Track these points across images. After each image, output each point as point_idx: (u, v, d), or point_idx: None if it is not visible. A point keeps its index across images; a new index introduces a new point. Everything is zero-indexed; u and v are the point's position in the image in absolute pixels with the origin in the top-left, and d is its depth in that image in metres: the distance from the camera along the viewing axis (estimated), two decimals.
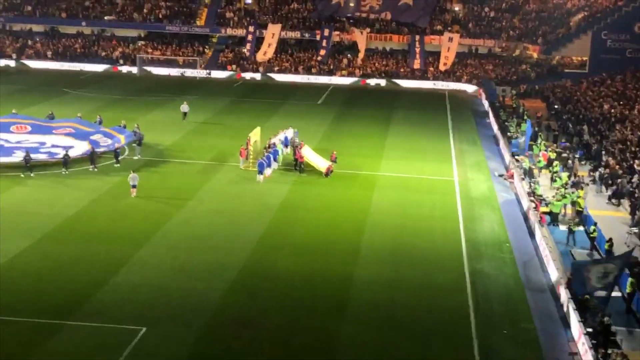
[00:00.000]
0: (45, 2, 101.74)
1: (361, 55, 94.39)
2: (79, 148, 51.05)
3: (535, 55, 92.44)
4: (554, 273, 33.83)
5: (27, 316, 28.46)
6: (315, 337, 28.17)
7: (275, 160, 50.18)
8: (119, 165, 49.16)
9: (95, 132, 54.90)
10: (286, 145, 53.39)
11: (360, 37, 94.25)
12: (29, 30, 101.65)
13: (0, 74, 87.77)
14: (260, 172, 47.86)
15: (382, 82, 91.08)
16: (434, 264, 35.46)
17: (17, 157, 48.25)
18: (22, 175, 45.89)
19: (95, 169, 48.22)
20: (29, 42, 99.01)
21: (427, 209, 43.71)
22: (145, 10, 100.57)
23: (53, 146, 51.93)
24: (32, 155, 47.49)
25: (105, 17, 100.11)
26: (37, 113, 65.10)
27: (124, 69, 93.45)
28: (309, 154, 50.27)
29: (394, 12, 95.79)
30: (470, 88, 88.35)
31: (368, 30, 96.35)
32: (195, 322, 28.71)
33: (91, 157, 48.84)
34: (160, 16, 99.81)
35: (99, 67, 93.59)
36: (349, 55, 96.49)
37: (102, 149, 51.18)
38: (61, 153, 48.99)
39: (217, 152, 53.90)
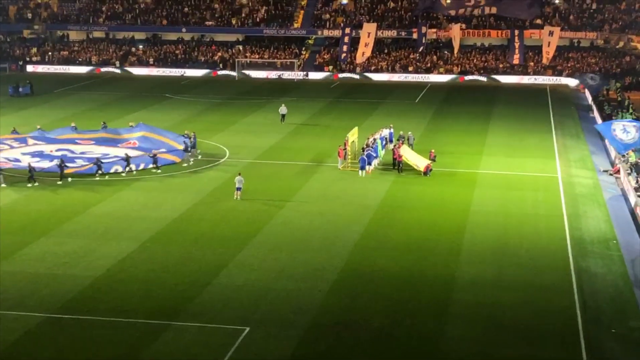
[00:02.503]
0: (146, 10, 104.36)
1: (456, 51, 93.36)
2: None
3: (639, 46, 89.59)
4: None
5: (135, 317, 29.15)
6: (419, 339, 27.94)
7: (377, 156, 50.46)
8: (159, 170, 49.77)
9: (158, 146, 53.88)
10: (391, 141, 53.81)
11: (455, 33, 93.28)
12: (132, 38, 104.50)
13: (105, 81, 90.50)
14: (362, 167, 48.32)
15: (482, 79, 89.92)
16: (539, 263, 34.73)
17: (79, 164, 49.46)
18: (60, 182, 46.73)
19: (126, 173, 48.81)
20: (132, 50, 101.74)
21: (530, 206, 42.88)
22: (243, 15, 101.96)
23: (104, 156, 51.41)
24: (69, 164, 48.55)
25: (205, 23, 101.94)
26: (141, 118, 66.79)
27: (224, 73, 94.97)
28: (408, 153, 50.00)
29: (499, 6, 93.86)
30: (572, 82, 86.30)
31: (464, 25, 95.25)
32: (298, 323, 28.86)
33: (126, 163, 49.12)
34: (258, 20, 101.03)
35: (199, 72, 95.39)
36: (446, 52, 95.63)
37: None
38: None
39: (316, 153, 54.16)
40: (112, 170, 48.78)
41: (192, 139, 53.66)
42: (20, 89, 79.68)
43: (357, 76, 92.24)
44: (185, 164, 51.07)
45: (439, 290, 31.80)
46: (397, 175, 48.70)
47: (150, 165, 49.94)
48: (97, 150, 53.26)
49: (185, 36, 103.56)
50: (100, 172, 48.14)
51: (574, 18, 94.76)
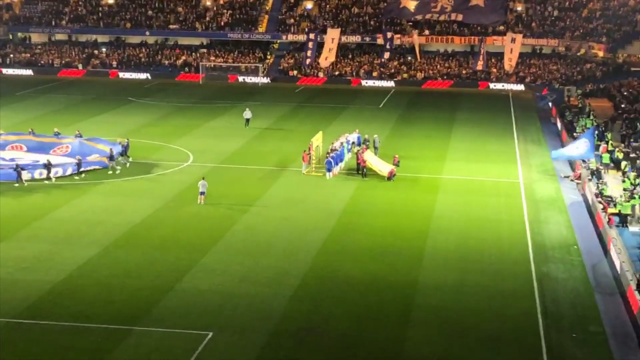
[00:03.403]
0: (109, 13, 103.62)
1: (418, 57, 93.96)
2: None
3: (600, 54, 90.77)
4: (623, 275, 33.11)
5: (97, 322, 28.90)
6: (382, 343, 28.01)
7: (341, 160, 50.92)
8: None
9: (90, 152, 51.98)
10: (359, 145, 54.25)
11: (416, 40, 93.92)
12: (95, 41, 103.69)
13: (67, 84, 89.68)
14: (329, 169, 48.78)
15: (445, 85, 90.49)
16: (501, 268, 35.02)
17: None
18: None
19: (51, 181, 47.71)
20: (95, 53, 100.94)
21: (492, 212, 43.22)
22: (207, 19, 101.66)
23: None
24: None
25: (169, 26, 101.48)
26: (103, 121, 66.44)
27: (187, 77, 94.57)
28: (371, 158, 50.16)
29: (465, 13, 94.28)
30: (533, 88, 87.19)
31: (427, 32, 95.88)
32: (261, 328, 28.82)
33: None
34: (222, 24, 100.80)
35: (163, 76, 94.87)
36: (409, 58, 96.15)
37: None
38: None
39: (280, 158, 54.14)
40: (36, 176, 47.58)
41: (123, 145, 52.73)
42: None
43: (321, 81, 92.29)
44: (110, 172, 49.62)
45: (402, 295, 31.94)
46: (361, 181, 48.84)
47: (72, 171, 48.78)
48: (28, 157, 50.94)
49: (149, 39, 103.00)
50: (20, 178, 46.62)
51: (536, 25, 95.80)
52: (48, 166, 47.87)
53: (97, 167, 50.22)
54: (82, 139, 54.08)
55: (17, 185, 46.18)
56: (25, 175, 47.43)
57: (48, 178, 47.62)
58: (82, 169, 49.21)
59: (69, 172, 48.84)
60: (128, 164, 51.41)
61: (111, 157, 50.24)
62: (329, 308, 30.69)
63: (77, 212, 42.00)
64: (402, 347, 27.76)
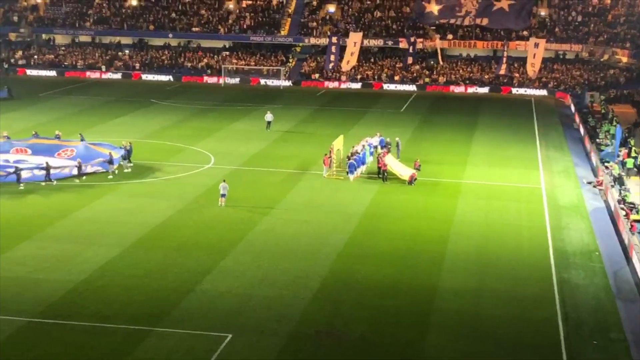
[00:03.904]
0: (133, 15, 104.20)
1: (439, 61, 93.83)
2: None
3: (624, 59, 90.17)
4: None
5: (117, 323, 29.05)
6: (400, 348, 27.98)
7: (363, 163, 51.01)
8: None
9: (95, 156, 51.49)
10: (382, 147, 54.11)
11: (438, 44, 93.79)
12: (118, 43, 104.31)
13: (90, 85, 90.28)
14: (351, 171, 48.94)
15: (466, 89, 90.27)
16: (521, 273, 34.85)
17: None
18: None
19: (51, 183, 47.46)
20: (118, 54, 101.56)
21: (513, 217, 43.04)
22: (230, 21, 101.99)
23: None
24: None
25: (192, 29, 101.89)
26: (125, 123, 66.80)
27: (209, 79, 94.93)
28: (392, 162, 50.11)
29: (490, 18, 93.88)
30: (556, 94, 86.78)
31: (450, 36, 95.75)
32: (280, 330, 28.84)
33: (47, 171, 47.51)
34: (245, 27, 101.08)
35: (185, 78, 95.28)
36: (432, 61, 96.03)
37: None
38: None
39: (301, 161, 54.19)
40: (35, 179, 47.32)
41: (127, 149, 51.68)
42: None
43: (343, 84, 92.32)
44: (110, 176, 49.19)
45: (421, 300, 31.87)
46: (382, 184, 48.78)
47: (73, 173, 48.61)
48: (32, 160, 50.72)
49: (172, 42, 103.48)
50: (20, 181, 46.42)
51: (560, 30, 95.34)
52: (47, 169, 47.38)
53: (99, 169, 49.93)
54: (87, 143, 53.88)
55: (21, 187, 46.06)
56: (25, 174, 47.19)
57: (48, 181, 47.26)
58: (83, 172, 48.80)
59: (70, 173, 48.64)
60: (129, 169, 50.79)
61: (111, 161, 49.58)
62: (348, 311, 30.67)
63: (98, 213, 42.25)
64: (421, 352, 27.69)
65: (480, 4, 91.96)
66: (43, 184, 47.08)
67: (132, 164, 51.46)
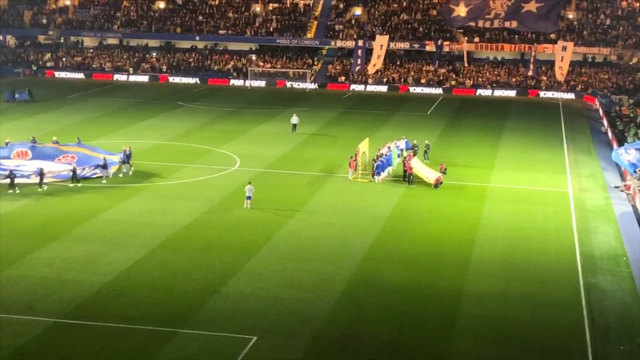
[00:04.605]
0: (160, 18, 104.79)
1: (465, 64, 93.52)
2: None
3: None
4: None
5: (142, 324, 29.17)
6: (425, 352, 27.86)
7: (390, 165, 51.16)
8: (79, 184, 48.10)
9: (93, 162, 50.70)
10: (408, 149, 54.29)
11: (464, 47, 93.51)
12: (145, 46, 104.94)
13: (118, 88, 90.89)
14: (378, 173, 49.18)
15: (492, 92, 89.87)
16: (548, 278, 34.59)
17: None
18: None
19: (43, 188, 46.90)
20: (145, 57, 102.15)
21: (540, 221, 42.74)
22: (256, 24, 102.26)
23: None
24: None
25: (219, 32, 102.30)
26: (152, 126, 67.14)
27: (236, 82, 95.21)
28: (418, 166, 49.97)
29: (519, 20, 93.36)
30: (584, 97, 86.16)
31: (477, 39, 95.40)
32: (305, 333, 28.82)
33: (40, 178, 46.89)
34: (271, 29, 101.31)
35: (212, 80, 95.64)
36: (458, 64, 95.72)
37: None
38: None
39: (326, 164, 54.18)
40: (29, 182, 47.01)
41: (126, 154, 51.05)
42: (17, 95, 78.12)
43: (369, 87, 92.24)
44: (104, 181, 48.67)
45: (447, 304, 31.71)
46: (407, 187, 48.66)
47: (68, 177, 48.31)
48: (30, 165, 50.28)
49: (198, 44, 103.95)
50: (12, 185, 45.95)
51: (588, 33, 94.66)
52: (41, 174, 46.95)
53: (96, 172, 49.34)
54: (84, 147, 53.27)
55: (10, 192, 45.71)
56: (19, 178, 46.85)
57: (41, 185, 46.71)
58: (78, 176, 48.31)
59: (65, 176, 48.35)
60: (130, 172, 50.52)
61: (104, 166, 48.99)
62: (373, 314, 30.59)
63: (125, 214, 42.48)
64: (446, 356, 27.54)
65: (510, 7, 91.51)
66: (39, 189, 46.52)
67: (132, 168, 51.02)
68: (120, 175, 50.09)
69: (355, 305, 31.40)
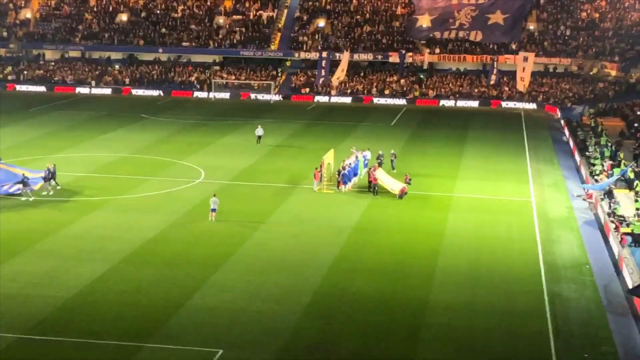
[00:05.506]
0: (123, 30, 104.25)
1: (429, 76, 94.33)
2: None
3: (613, 73, 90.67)
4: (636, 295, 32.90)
5: (107, 339, 28.91)
6: None
7: (355, 174, 51.39)
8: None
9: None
10: (365, 166, 54.07)
11: (427, 58, 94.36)
12: (108, 58, 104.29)
13: (80, 100, 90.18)
14: (345, 182, 49.49)
15: (455, 103, 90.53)
16: (512, 287, 34.86)
17: None
18: None
19: None
20: (108, 70, 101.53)
21: (504, 231, 43.09)
22: (220, 36, 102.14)
23: None
24: None
25: (182, 44, 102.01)
26: (115, 138, 66.70)
27: (199, 94, 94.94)
28: (383, 177, 50.14)
29: (484, 32, 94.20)
30: (546, 107, 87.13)
31: (437, 50, 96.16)
32: (271, 345, 28.76)
33: None
34: (235, 41, 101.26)
35: (175, 93, 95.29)
36: (421, 76, 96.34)
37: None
38: None
39: (291, 175, 54.20)
40: None
41: (51, 171, 48.97)
42: None
43: (333, 99, 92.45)
44: (24, 198, 46.80)
45: (413, 314, 31.84)
46: (373, 198, 48.81)
47: None
48: None
49: (161, 57, 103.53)
50: None
51: (549, 44, 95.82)
52: None
53: (19, 189, 47.30)
54: (4, 164, 50.74)
55: None
56: None
57: None
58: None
59: None
60: (53, 191, 48.49)
61: (24, 183, 47.02)
62: (339, 325, 30.61)
63: (88, 228, 42.12)
64: None
65: (475, 17, 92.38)
66: None
67: (59, 186, 49.18)
68: (44, 193, 48.14)
69: (321, 317, 31.41)
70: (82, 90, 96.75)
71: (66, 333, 29.33)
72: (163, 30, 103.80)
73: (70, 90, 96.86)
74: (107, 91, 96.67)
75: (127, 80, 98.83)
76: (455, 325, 30.89)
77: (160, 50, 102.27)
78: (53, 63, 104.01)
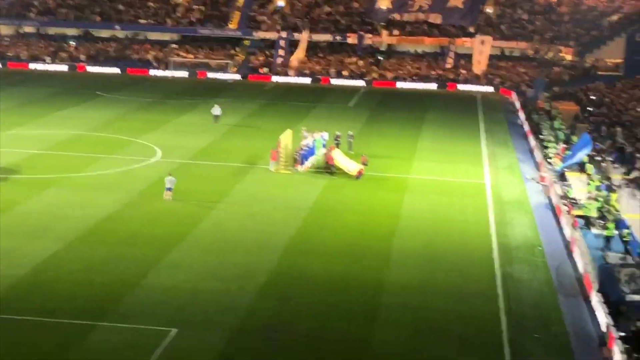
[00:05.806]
0: (79, 6, 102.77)
1: (386, 57, 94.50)
2: None
3: (568, 57, 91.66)
4: (586, 277, 33.50)
5: (61, 317, 28.72)
6: (347, 342, 28.11)
7: (312, 154, 51.59)
8: None
9: None
10: (324, 146, 54.06)
11: (386, 39, 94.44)
12: (63, 35, 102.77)
13: (35, 77, 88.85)
14: (302, 162, 49.69)
15: (413, 85, 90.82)
16: (466, 269, 35.25)
17: None
18: None
19: None
20: (63, 46, 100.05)
21: (458, 212, 43.49)
22: (178, 14, 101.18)
23: None
24: None
25: (139, 21, 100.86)
26: (70, 116, 65.92)
27: (157, 72, 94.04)
28: (339, 157, 50.24)
29: (444, 15, 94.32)
30: (502, 90, 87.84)
31: (396, 32, 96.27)
32: (226, 324, 28.79)
33: None
34: (193, 20, 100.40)
35: (132, 70, 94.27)
36: (380, 57, 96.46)
37: None
38: None
39: (249, 155, 54.06)
40: None
41: None
42: None
43: (291, 79, 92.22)
44: None
45: (369, 295, 32.05)
46: (329, 179, 48.91)
47: None
48: None
49: (118, 34, 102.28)
50: None
51: (506, 28, 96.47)
52: None
53: None
54: None
55: None
56: None
57: None
58: None
59: None
60: None
61: None
62: (295, 306, 30.73)
63: (42, 207, 41.65)
64: (368, 346, 27.86)
65: (434, 0, 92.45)
66: None
67: None
68: None
69: (277, 297, 31.49)
70: (37, 66, 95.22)
71: (18, 312, 29.05)
72: (120, 6, 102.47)
73: (24, 66, 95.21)
74: (63, 68, 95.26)
75: (82, 57, 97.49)
76: (410, 306, 31.18)
77: (117, 27, 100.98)
78: (7, 39, 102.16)
